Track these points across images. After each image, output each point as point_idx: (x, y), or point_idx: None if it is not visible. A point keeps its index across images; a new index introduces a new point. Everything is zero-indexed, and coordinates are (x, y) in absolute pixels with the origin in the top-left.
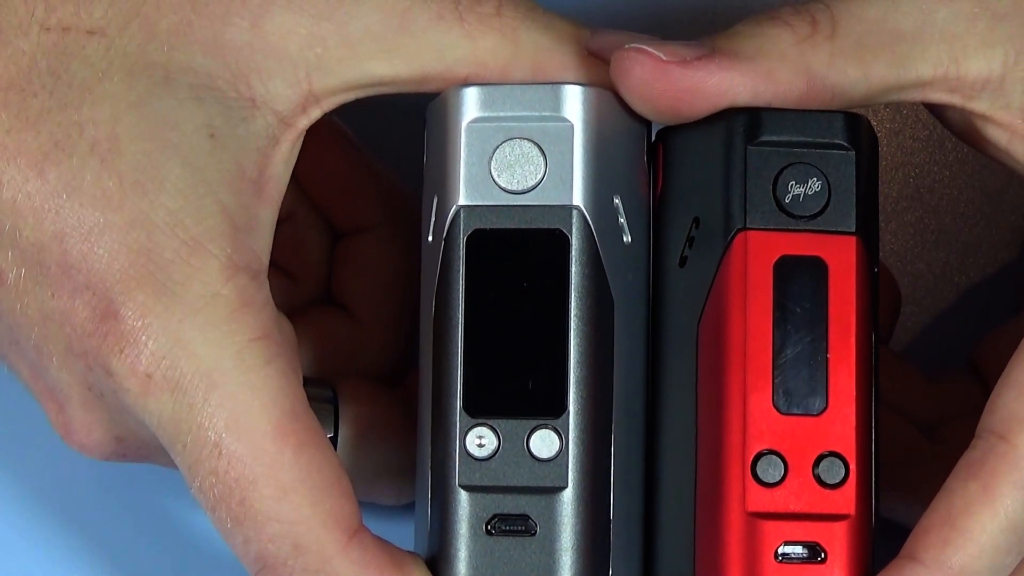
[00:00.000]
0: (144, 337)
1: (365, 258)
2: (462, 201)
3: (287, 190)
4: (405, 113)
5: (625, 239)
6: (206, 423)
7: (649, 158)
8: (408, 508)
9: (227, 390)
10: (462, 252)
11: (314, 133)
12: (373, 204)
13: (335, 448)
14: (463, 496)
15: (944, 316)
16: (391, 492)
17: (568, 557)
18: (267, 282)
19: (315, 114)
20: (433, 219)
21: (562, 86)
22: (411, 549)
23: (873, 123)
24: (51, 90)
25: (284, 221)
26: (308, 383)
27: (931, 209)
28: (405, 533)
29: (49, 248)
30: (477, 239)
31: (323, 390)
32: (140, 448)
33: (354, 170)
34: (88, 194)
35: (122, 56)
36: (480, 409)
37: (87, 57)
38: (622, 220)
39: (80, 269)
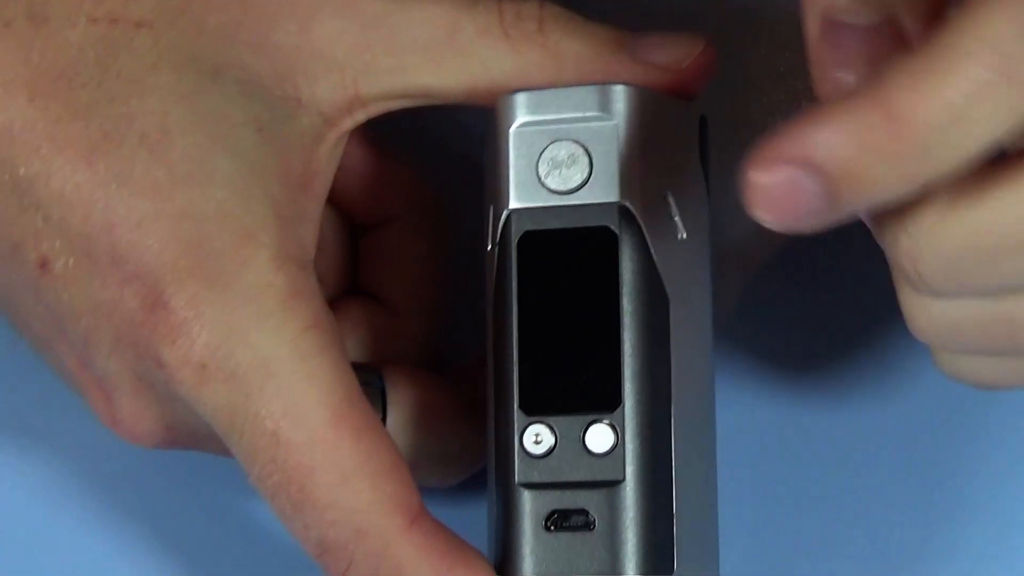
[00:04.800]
0: (197, 327)
1: (393, 248)
2: (512, 205)
3: None
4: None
5: (680, 235)
6: (263, 412)
7: (703, 153)
8: (452, 490)
9: (283, 379)
10: (514, 255)
11: None
12: (394, 195)
13: None
14: (521, 493)
15: None
16: (437, 475)
17: (629, 550)
18: (314, 273)
19: (360, 117)
20: (490, 227)
21: (606, 86)
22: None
23: None
24: (99, 81)
25: None
26: (355, 368)
27: None
28: (454, 516)
29: (98, 238)
30: (528, 241)
31: (370, 375)
32: (189, 436)
33: (371, 163)
34: (138, 184)
35: (170, 49)
36: (536, 407)
37: (135, 49)
38: (676, 217)
39: (129, 259)
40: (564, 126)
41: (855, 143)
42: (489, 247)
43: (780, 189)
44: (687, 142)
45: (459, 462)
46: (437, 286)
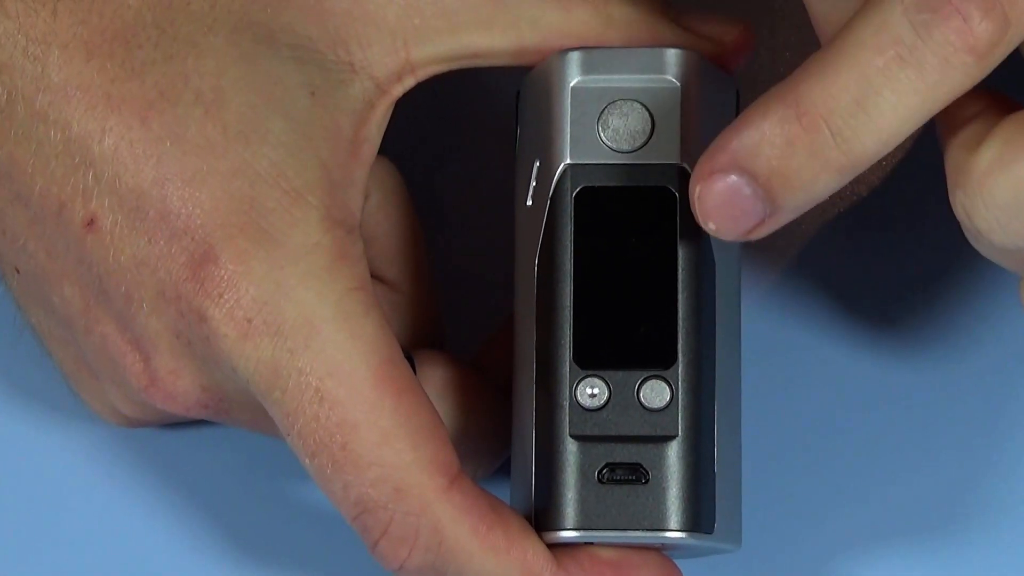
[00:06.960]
0: (245, 283)
1: (372, 226)
2: (570, 160)
3: None
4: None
5: None
6: (307, 368)
7: None
8: None
9: (328, 336)
10: (571, 209)
11: None
12: None
13: None
14: (574, 445)
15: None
16: (470, 457)
17: (679, 504)
18: (360, 238)
19: (409, 83)
20: (534, 183)
21: (665, 49)
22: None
23: None
24: (156, 42)
25: None
26: None
27: None
28: None
29: (148, 194)
30: (585, 196)
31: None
32: (221, 400)
33: None
34: (192, 142)
35: (227, 13)
36: (591, 361)
37: (192, 12)
38: None
39: (179, 215)
40: (626, 86)
41: (773, 141)
42: (530, 203)
43: (721, 199)
44: (728, 107)
45: (491, 443)
46: (423, 259)
